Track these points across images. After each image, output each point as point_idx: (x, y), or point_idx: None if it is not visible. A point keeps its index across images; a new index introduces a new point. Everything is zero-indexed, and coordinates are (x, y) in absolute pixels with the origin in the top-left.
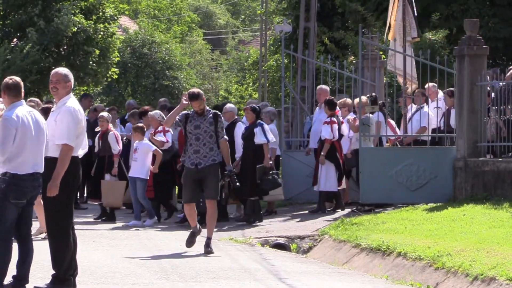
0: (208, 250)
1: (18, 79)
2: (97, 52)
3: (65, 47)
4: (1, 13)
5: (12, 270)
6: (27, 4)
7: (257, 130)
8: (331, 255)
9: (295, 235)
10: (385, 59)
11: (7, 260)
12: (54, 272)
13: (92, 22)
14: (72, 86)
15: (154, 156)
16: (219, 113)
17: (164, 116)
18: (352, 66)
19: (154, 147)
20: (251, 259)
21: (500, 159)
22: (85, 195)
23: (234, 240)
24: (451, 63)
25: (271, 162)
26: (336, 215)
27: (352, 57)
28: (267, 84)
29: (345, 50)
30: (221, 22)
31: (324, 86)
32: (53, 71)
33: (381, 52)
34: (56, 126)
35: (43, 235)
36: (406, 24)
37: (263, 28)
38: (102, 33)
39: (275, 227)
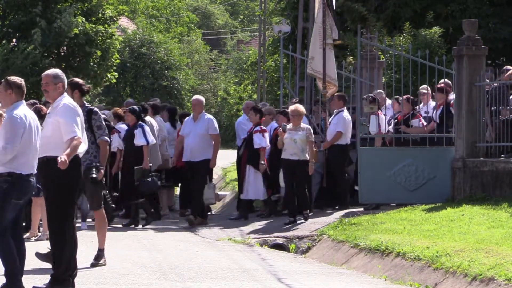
0: (94, 263)
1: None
2: (99, 53)
3: (65, 48)
4: (0, 13)
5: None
6: (27, 4)
7: (137, 131)
8: (330, 255)
9: (293, 235)
10: (384, 59)
11: (13, 256)
12: (53, 272)
13: (92, 23)
14: (65, 86)
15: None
16: (95, 109)
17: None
18: (351, 66)
19: None
20: (249, 259)
21: (499, 159)
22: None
23: (232, 241)
24: (449, 63)
25: (150, 164)
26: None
27: (351, 57)
28: (265, 85)
29: (343, 50)
30: (220, 22)
31: (200, 97)
32: (43, 73)
33: (380, 52)
34: (60, 124)
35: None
36: (326, 26)
37: (261, 28)
38: (101, 34)
39: (274, 227)
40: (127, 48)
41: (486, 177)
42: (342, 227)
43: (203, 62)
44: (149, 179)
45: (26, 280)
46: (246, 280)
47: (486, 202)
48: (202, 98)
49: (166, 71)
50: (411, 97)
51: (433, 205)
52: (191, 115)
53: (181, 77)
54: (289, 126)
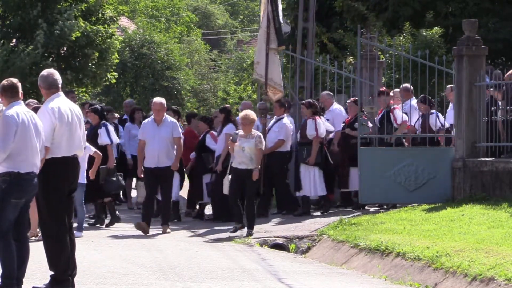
0: None
1: (15, 80)
2: (97, 54)
3: (65, 48)
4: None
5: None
6: (26, 5)
7: (101, 131)
8: (330, 255)
9: (293, 235)
10: (383, 59)
11: (12, 258)
12: (52, 272)
13: (92, 23)
14: (51, 87)
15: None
16: None
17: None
18: (351, 66)
19: (94, 149)
20: (249, 259)
21: (498, 159)
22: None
23: (232, 241)
24: (449, 63)
25: (115, 164)
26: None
27: (351, 57)
28: None
29: (343, 50)
30: (220, 22)
31: (163, 100)
32: None
33: (380, 52)
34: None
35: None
36: (270, 31)
37: None
38: (101, 34)
39: (274, 227)
40: (127, 48)
41: (486, 177)
42: (342, 227)
43: (203, 62)
44: (114, 178)
45: (26, 280)
46: (246, 280)
47: (486, 202)
48: (164, 100)
49: (166, 71)
50: (357, 99)
51: (433, 205)
52: (151, 118)
53: (182, 77)
54: (241, 133)
